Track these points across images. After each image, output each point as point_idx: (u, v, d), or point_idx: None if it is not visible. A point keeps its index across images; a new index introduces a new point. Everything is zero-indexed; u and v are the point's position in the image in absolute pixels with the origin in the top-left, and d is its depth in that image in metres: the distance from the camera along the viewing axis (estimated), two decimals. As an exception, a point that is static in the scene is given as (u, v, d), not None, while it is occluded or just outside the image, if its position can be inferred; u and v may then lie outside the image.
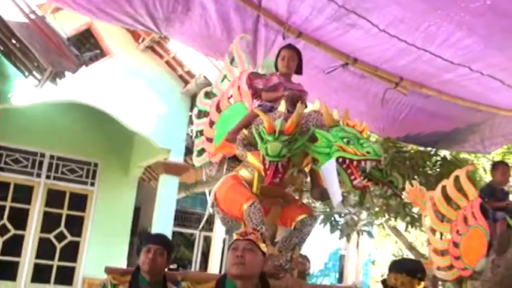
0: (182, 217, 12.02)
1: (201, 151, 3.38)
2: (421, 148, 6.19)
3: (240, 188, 2.69)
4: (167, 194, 7.92)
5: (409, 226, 6.83)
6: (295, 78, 3.12)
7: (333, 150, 2.37)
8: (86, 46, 8.33)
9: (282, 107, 2.69)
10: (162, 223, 7.66)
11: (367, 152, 2.29)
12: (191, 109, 8.05)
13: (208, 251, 11.98)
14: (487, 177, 6.39)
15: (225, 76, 3.33)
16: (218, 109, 3.24)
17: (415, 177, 5.81)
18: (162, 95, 8.11)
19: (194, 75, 7.83)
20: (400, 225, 7.93)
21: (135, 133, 8.16)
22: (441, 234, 4.48)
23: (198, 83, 7.50)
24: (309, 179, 2.85)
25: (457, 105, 4.39)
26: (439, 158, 6.32)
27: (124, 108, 7.75)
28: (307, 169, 2.76)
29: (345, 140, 2.36)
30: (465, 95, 4.22)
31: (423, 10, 2.92)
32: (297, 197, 2.85)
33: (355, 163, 2.32)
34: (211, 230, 11.82)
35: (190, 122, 7.82)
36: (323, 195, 2.67)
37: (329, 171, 2.37)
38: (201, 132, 3.39)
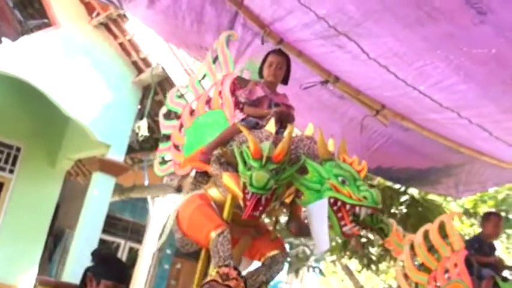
0: (107, 222, 11.78)
1: (166, 159, 3.35)
2: (389, 183, 6.37)
3: (208, 211, 2.63)
4: (99, 195, 7.73)
5: (365, 268, 6.99)
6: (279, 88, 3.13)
7: (325, 188, 2.34)
8: (28, 11, 8.09)
9: (271, 126, 2.65)
10: (89, 228, 7.47)
11: (364, 197, 2.25)
12: (141, 102, 7.95)
13: (133, 264, 11.78)
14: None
15: (204, 76, 3.29)
16: (192, 113, 3.22)
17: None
18: (110, 81, 7.93)
19: (151, 64, 7.72)
20: (352, 264, 8.09)
21: (71, 119, 7.91)
22: (416, 284, 4.45)
23: (153, 74, 7.40)
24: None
25: (437, 143, 4.55)
26: (407, 197, 6.52)
27: (62, 89, 7.50)
28: (288, 200, 2.72)
29: (339, 178, 2.31)
30: (449, 134, 4.38)
31: (421, 48, 3.02)
32: (270, 229, 2.83)
33: (347, 207, 2.28)
34: (139, 241, 11.62)
35: (139, 117, 7.71)
36: (302, 231, 2.67)
37: (319, 212, 2.33)
38: (168, 137, 3.34)
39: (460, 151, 4.65)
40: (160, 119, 3.44)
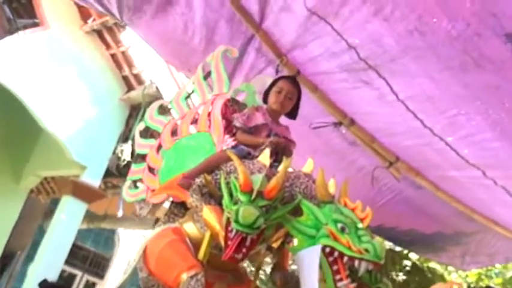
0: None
1: (138, 182, 3.19)
2: (389, 244, 6.27)
3: (181, 248, 2.49)
4: (67, 221, 7.50)
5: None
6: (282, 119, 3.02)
7: (321, 234, 2.21)
8: (14, 7, 8.01)
9: (266, 158, 2.53)
10: (51, 257, 7.21)
11: (366, 250, 2.10)
12: (128, 122, 7.83)
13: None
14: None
15: (191, 92, 3.20)
16: (174, 133, 3.11)
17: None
18: (95, 95, 7.83)
19: (143, 81, 7.67)
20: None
21: (45, 132, 7.74)
22: None
23: (145, 93, 7.34)
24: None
25: (450, 207, 4.47)
26: (408, 263, 6.42)
27: (40, 97, 7.35)
28: (275, 245, 2.58)
29: (339, 225, 2.19)
30: (464, 198, 4.31)
31: (459, 95, 2.95)
32: (251, 277, 2.70)
33: (345, 259, 2.14)
34: (99, 275, 11.30)
35: (123, 139, 7.58)
36: (288, 283, 2.53)
37: (310, 260, 2.18)
38: (143, 157, 3.22)
39: (474, 218, 4.58)
40: (136, 136, 3.34)
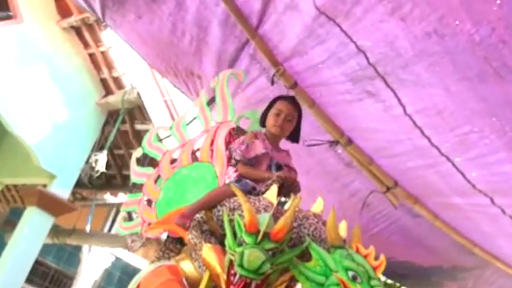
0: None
1: (133, 214, 3.27)
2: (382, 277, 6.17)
3: None
4: (32, 235, 7.26)
5: None
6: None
7: (330, 282, 2.17)
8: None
9: (273, 195, 2.49)
10: (11, 274, 6.97)
11: None
12: (103, 130, 7.65)
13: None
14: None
15: (193, 119, 3.22)
16: (174, 162, 3.15)
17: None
18: (69, 98, 7.65)
19: (124, 86, 7.49)
20: None
21: (10, 135, 7.54)
22: None
23: (125, 98, 7.17)
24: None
25: (449, 239, 4.41)
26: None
27: (7, 96, 7.16)
28: None
29: (350, 273, 2.16)
30: (465, 228, 4.25)
31: (474, 110, 2.86)
32: None
33: None
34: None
35: (98, 148, 7.39)
36: None
37: None
38: (139, 187, 3.25)
39: (474, 252, 4.52)
40: (133, 164, 3.33)
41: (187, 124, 3.21)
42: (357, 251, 2.23)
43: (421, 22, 2.55)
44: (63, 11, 7.61)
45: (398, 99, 3.08)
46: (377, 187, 4.08)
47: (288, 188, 2.64)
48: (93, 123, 7.86)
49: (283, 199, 2.58)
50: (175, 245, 2.85)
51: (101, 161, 6.92)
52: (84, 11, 6.28)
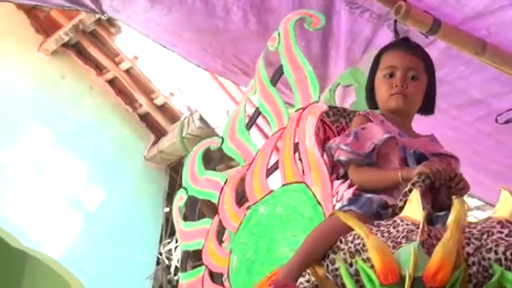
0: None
1: None
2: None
3: None
4: None
5: None
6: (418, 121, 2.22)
7: None
8: None
9: (416, 209, 1.76)
10: None
11: None
12: (168, 195, 5.33)
13: None
14: None
15: (258, 114, 2.40)
16: (241, 199, 2.34)
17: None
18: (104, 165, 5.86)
19: (177, 114, 5.46)
20: None
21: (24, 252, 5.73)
22: None
23: (184, 136, 5.08)
24: None
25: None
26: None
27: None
28: None
29: None
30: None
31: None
32: None
33: None
34: None
35: (169, 234, 5.25)
36: None
37: None
38: (194, 256, 2.48)
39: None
40: (177, 220, 2.53)
41: (249, 126, 2.39)
42: None
43: None
44: (45, 26, 5.71)
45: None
46: None
47: (444, 189, 1.91)
48: (150, 201, 5.64)
49: (438, 213, 1.88)
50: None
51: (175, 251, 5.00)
52: (75, 10, 4.68)
